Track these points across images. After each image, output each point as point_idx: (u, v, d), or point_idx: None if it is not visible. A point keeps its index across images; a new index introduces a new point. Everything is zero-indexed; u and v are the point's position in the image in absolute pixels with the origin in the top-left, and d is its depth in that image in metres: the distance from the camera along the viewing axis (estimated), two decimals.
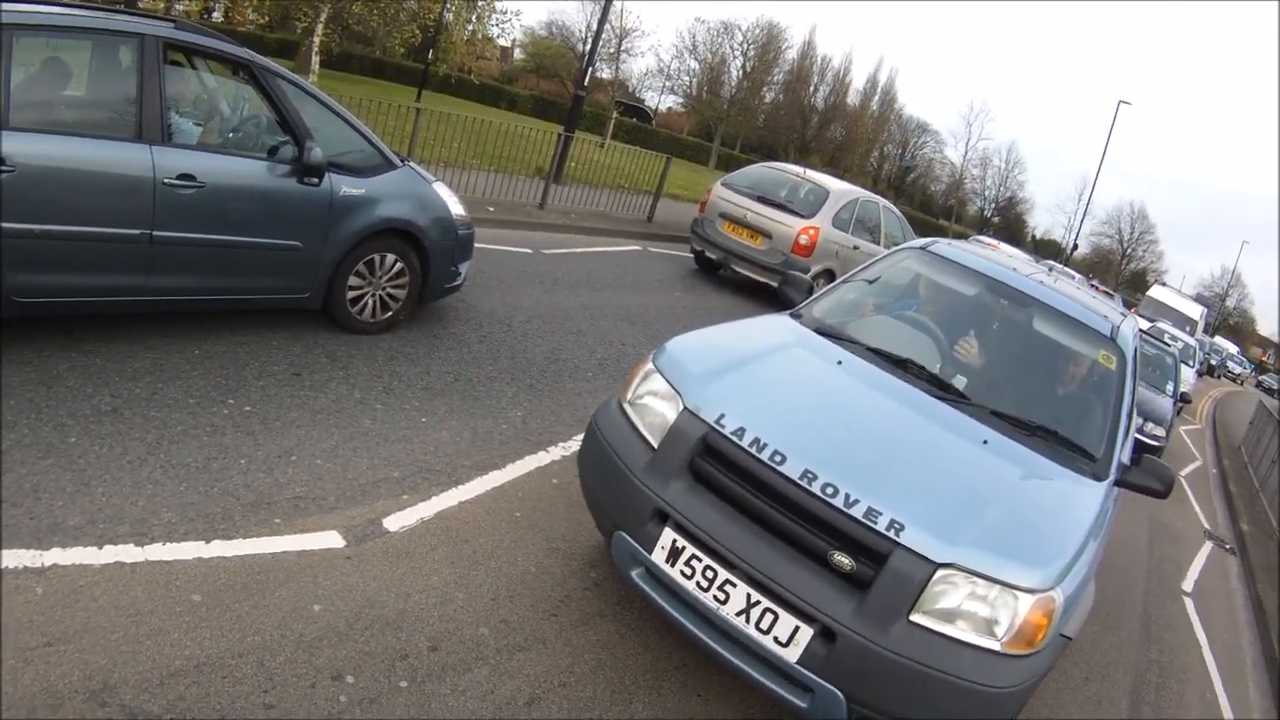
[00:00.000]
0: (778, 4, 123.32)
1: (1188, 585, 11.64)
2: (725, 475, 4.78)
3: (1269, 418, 23.41)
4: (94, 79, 6.84)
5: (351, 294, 8.65)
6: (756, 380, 5.46)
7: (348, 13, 40.57)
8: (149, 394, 6.60)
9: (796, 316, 6.77)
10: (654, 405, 5.24)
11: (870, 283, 7.37)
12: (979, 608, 4.31)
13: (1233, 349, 77.24)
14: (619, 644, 5.46)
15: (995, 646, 4.29)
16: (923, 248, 7.69)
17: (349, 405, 7.34)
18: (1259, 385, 76.62)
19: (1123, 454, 6.06)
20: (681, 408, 5.03)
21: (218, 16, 53.57)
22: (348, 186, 8.14)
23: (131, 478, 5.55)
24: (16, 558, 4.62)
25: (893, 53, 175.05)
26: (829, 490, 4.48)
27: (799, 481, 4.54)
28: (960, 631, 4.28)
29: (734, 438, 4.78)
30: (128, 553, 4.91)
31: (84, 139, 6.46)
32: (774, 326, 6.56)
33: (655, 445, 5.02)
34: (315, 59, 39.98)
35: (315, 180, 7.80)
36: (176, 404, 6.58)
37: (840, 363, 5.95)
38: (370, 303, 8.87)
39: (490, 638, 5.13)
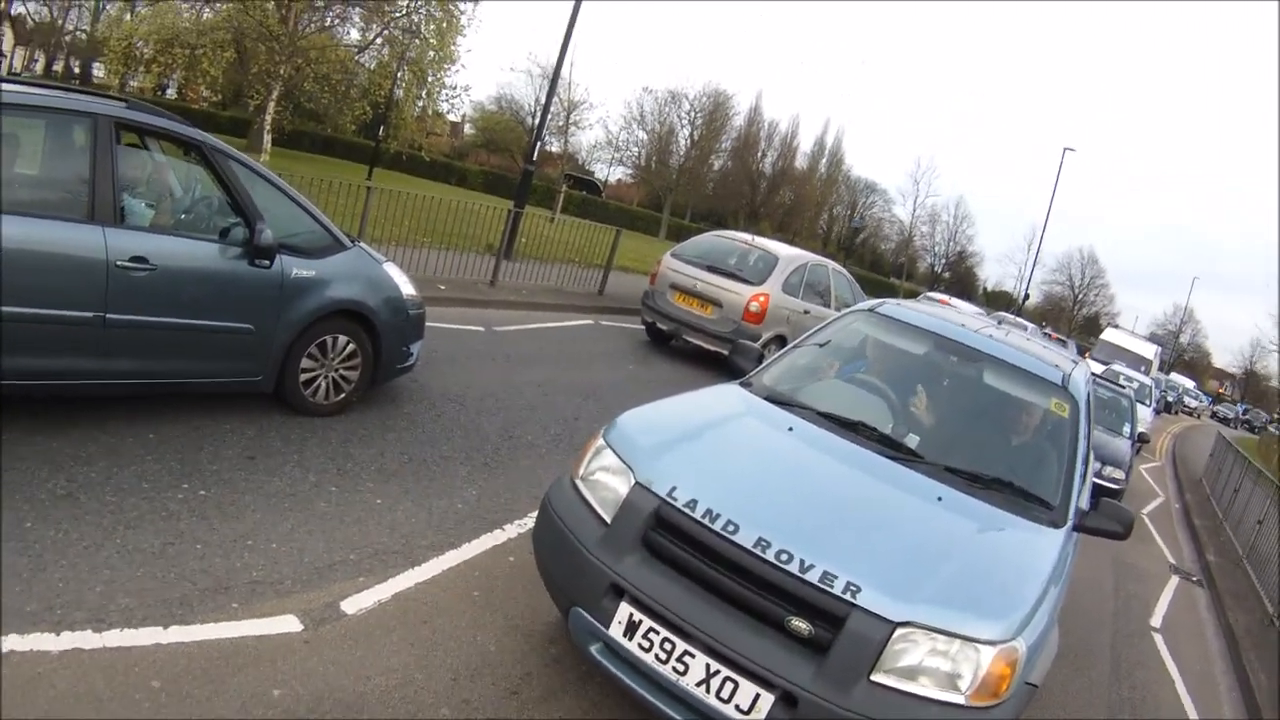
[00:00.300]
0: (725, 71, 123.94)
1: (1156, 621, 11.73)
2: (679, 547, 4.79)
3: (1228, 447, 23.63)
4: (47, 158, 6.86)
5: (304, 376, 8.62)
6: (708, 451, 5.50)
7: (299, 89, 40.79)
8: (104, 478, 6.56)
9: (746, 385, 6.81)
10: (606, 480, 5.24)
11: (820, 347, 7.43)
12: (940, 663, 4.33)
13: (1189, 384, 78.17)
14: None
15: (960, 700, 4.30)
16: (871, 309, 7.74)
17: (304, 488, 7.31)
18: (1214, 416, 77.52)
19: (1080, 499, 6.13)
20: (633, 482, 5.05)
21: (171, 93, 53.77)
22: (299, 268, 8.14)
23: (88, 563, 5.51)
24: None
25: (839, 114, 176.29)
26: (783, 557, 4.50)
27: (753, 550, 4.56)
28: (923, 688, 4.30)
29: (687, 510, 4.80)
30: (86, 639, 4.86)
31: (37, 219, 6.44)
32: (724, 396, 6.61)
33: (609, 520, 5.02)
34: (267, 137, 40.16)
35: (266, 262, 7.80)
36: (132, 488, 6.54)
37: (791, 429, 5.98)
38: (323, 384, 8.84)
39: (452, 718, 5.10)
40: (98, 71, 55.61)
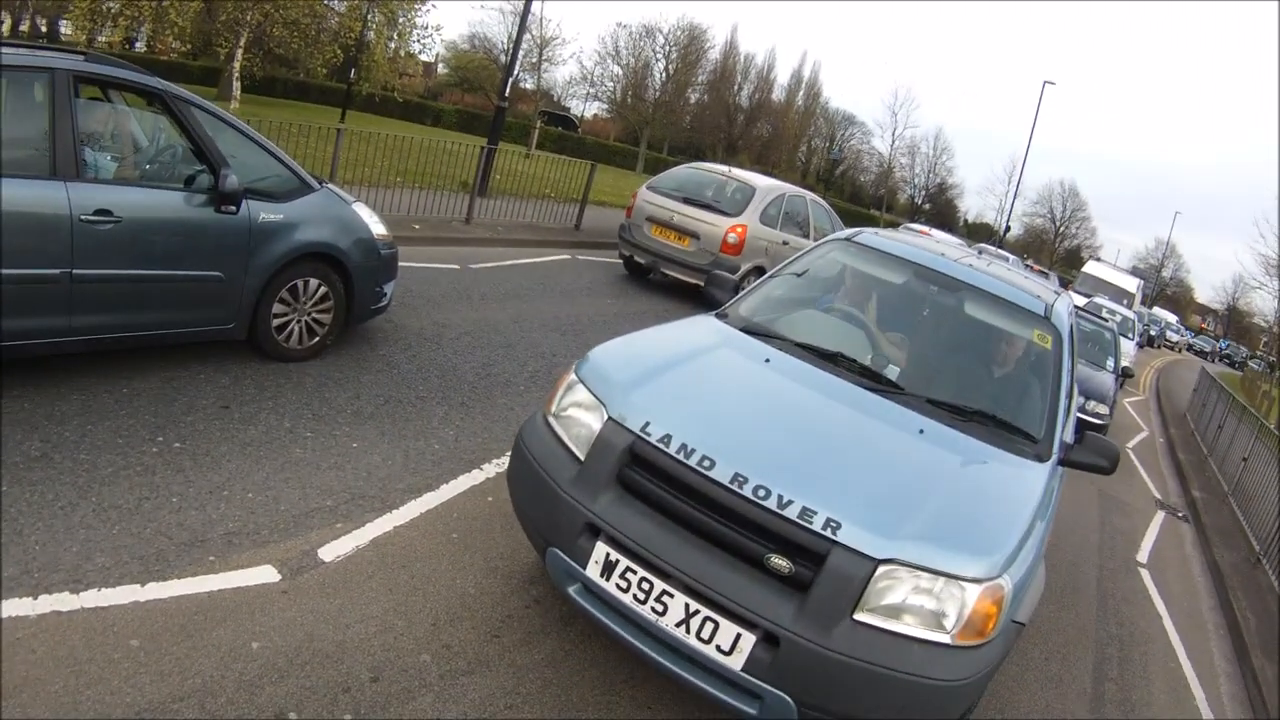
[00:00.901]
0: (698, 5, 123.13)
1: (1142, 556, 11.77)
2: (654, 484, 4.73)
3: (1212, 384, 23.65)
4: (7, 116, 6.70)
5: (276, 322, 8.56)
6: (682, 384, 5.41)
7: (268, 36, 40.46)
8: (78, 436, 6.50)
9: (722, 316, 6.75)
10: (579, 416, 5.18)
11: (797, 276, 7.36)
12: (925, 601, 4.28)
13: (1172, 319, 78.11)
14: (564, 661, 5.41)
15: (945, 639, 4.25)
16: (848, 238, 7.68)
17: (279, 435, 7.26)
18: (1189, 348, 77.67)
19: (1065, 433, 6.09)
20: (606, 418, 4.98)
21: (141, 46, 53.31)
22: (266, 213, 8.06)
23: (64, 524, 5.46)
24: None
25: (816, 46, 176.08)
26: (761, 492, 4.44)
27: (730, 485, 4.50)
28: (907, 627, 4.25)
29: (660, 445, 4.73)
30: (63, 601, 4.82)
31: None
32: (699, 328, 6.53)
33: (582, 458, 4.96)
34: (237, 85, 39.88)
35: (233, 208, 7.70)
36: (106, 445, 6.48)
37: (768, 361, 5.92)
38: (296, 329, 8.79)
39: (433, 664, 5.07)
40: (65, 28, 55.06)
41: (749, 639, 4.27)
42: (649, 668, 5.31)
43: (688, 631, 4.38)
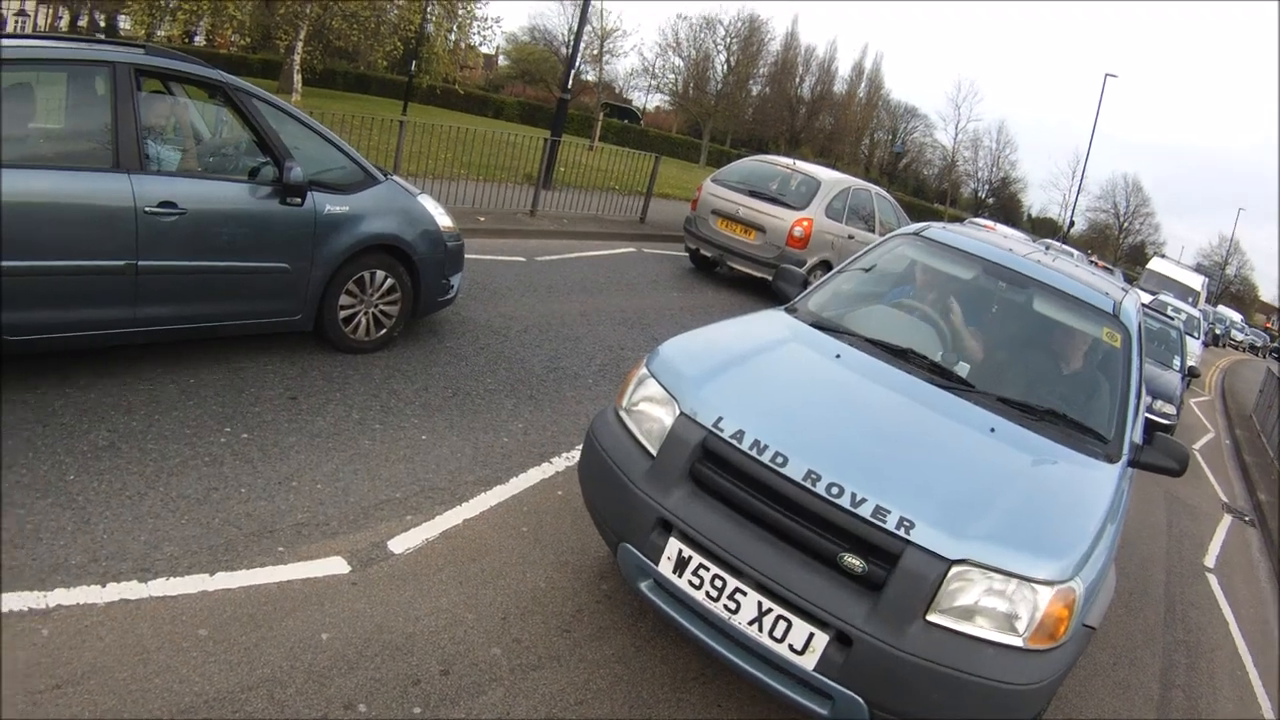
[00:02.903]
0: None
1: (1210, 561, 11.55)
2: (727, 480, 4.69)
3: (1278, 385, 23.28)
4: (70, 110, 6.80)
5: (343, 313, 8.59)
6: (754, 379, 5.36)
7: (328, 29, 40.54)
8: (145, 426, 6.53)
9: (792, 311, 6.68)
10: (650, 411, 5.15)
11: (865, 271, 7.30)
12: (998, 603, 4.22)
13: (1236, 317, 76.90)
14: (635, 657, 5.40)
15: (1017, 642, 4.19)
16: (917, 233, 7.60)
17: (348, 426, 7.28)
18: (1252, 348, 76.15)
19: (1135, 433, 5.98)
20: (678, 412, 4.94)
21: (200, 40, 53.61)
22: (331, 204, 8.09)
23: (132, 513, 5.49)
24: (20, 600, 4.57)
25: (877, 38, 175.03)
26: (834, 490, 4.39)
27: (803, 483, 4.45)
28: (980, 629, 4.19)
29: (733, 441, 4.69)
30: (132, 590, 4.85)
31: (63, 172, 6.39)
32: (769, 322, 6.47)
33: (654, 453, 4.93)
34: (297, 77, 40.01)
35: (298, 200, 7.74)
36: (173, 435, 6.52)
37: (839, 356, 5.85)
38: (363, 321, 8.81)
39: (503, 658, 5.06)
40: (123, 23, 55.42)
41: (822, 639, 4.23)
42: (719, 665, 5.29)
43: (760, 630, 4.35)
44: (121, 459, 6.05)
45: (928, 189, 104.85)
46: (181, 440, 6.47)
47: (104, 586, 4.81)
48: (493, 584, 5.72)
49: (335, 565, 5.49)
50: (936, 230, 7.60)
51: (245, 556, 5.35)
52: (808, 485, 4.44)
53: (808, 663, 4.26)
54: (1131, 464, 5.74)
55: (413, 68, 44.64)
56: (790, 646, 4.29)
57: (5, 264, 6.05)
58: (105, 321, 6.82)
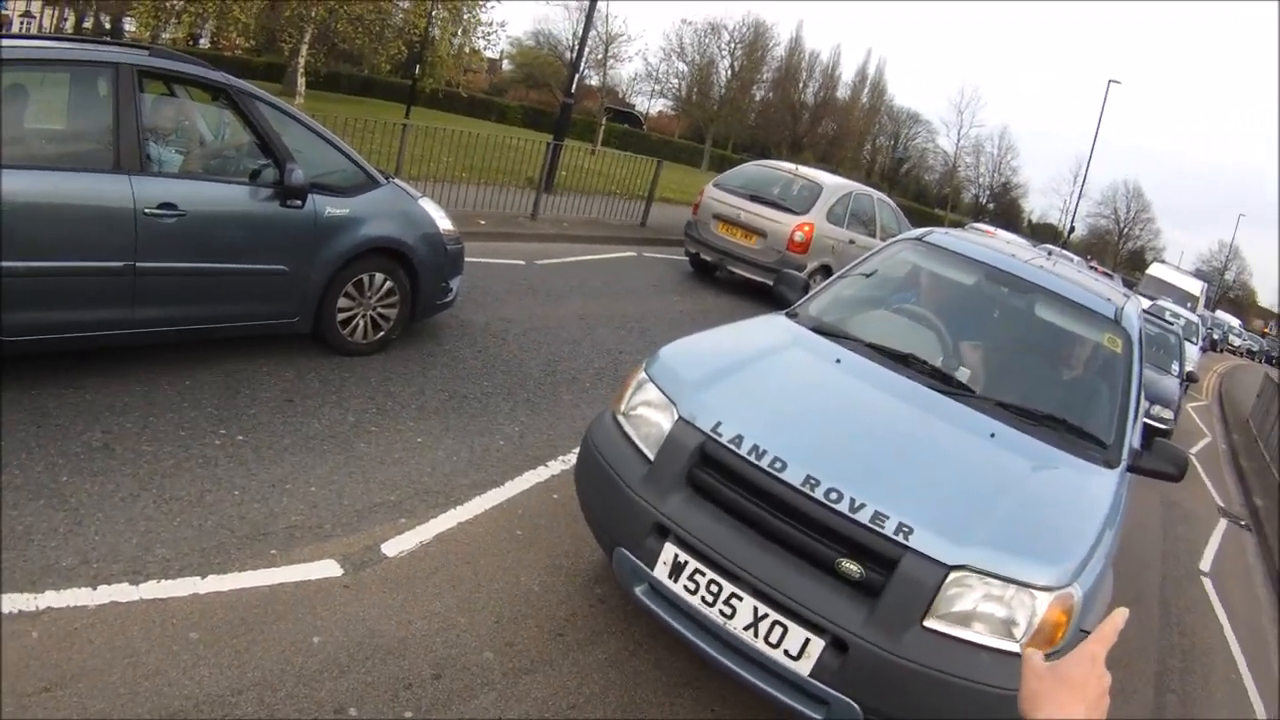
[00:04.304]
0: (763, 2, 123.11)
1: (1205, 565, 11.55)
2: (725, 485, 4.66)
3: (1275, 388, 23.26)
4: (72, 111, 6.80)
5: (342, 316, 8.56)
6: (753, 384, 5.34)
7: (333, 31, 40.63)
8: (140, 428, 6.51)
9: (792, 315, 6.65)
10: (648, 415, 5.11)
11: (867, 276, 7.28)
12: (995, 609, 4.19)
13: (1234, 322, 77.08)
14: (628, 662, 5.37)
15: (1015, 648, 4.15)
16: (919, 238, 7.59)
17: (343, 429, 7.25)
18: (1249, 353, 76.07)
19: (1133, 439, 5.97)
20: (676, 417, 4.90)
21: (205, 43, 53.74)
22: (332, 207, 8.06)
23: (124, 514, 5.46)
24: (10, 602, 4.54)
25: (880, 44, 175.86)
26: (833, 495, 4.36)
27: (801, 488, 4.42)
28: (977, 635, 4.16)
29: (732, 446, 4.66)
30: (122, 592, 4.82)
31: (63, 173, 6.37)
32: (770, 327, 6.45)
33: (651, 457, 4.89)
34: (301, 80, 40.10)
35: (298, 202, 7.72)
36: (168, 437, 6.49)
37: (839, 361, 5.82)
38: (361, 324, 8.79)
39: (495, 662, 5.03)
40: (129, 25, 55.47)
41: (818, 644, 4.20)
42: (713, 669, 5.24)
43: (756, 635, 4.32)
44: (115, 460, 6.03)
45: (929, 194, 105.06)
46: (175, 442, 6.45)
47: (95, 589, 4.78)
48: (486, 588, 5.69)
49: (328, 568, 5.46)
50: (939, 235, 7.58)
51: (237, 559, 5.32)
52: (806, 490, 4.41)
53: (803, 668, 4.23)
54: (1130, 469, 5.72)
55: (417, 71, 44.69)
56: (786, 651, 4.26)
57: (4, 265, 6.03)
58: (103, 323, 6.80)
